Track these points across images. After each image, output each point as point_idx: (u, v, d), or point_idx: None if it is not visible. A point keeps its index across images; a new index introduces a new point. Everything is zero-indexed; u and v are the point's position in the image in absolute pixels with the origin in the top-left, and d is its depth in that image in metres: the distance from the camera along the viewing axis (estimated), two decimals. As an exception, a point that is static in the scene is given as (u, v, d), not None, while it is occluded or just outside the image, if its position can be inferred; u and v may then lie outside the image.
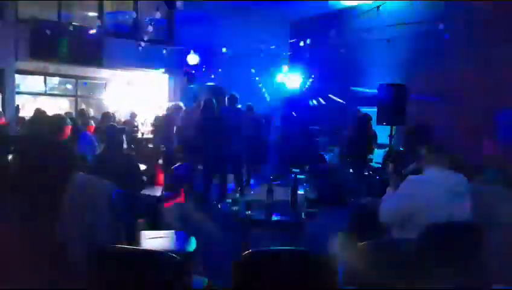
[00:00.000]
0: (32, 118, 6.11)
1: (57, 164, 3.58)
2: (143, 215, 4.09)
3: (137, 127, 10.07)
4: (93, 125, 6.65)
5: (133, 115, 10.49)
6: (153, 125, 8.76)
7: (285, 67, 11.54)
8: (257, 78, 10.34)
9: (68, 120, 4.25)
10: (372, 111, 7.41)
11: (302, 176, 6.36)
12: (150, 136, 9.84)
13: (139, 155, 6.22)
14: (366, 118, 7.56)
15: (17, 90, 9.56)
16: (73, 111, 10.67)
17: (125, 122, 9.22)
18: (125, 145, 3.76)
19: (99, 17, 9.86)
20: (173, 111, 7.13)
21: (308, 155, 9.21)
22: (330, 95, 9.62)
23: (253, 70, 10.14)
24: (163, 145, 6.91)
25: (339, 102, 9.67)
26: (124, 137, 3.92)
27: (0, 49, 8.49)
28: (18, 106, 9.01)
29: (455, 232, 2.32)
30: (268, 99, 10.39)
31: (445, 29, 6.87)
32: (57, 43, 8.84)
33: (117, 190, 2.80)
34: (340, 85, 9.49)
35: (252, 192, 3.32)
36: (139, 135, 9.51)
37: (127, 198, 2.97)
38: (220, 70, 10.05)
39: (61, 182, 3.05)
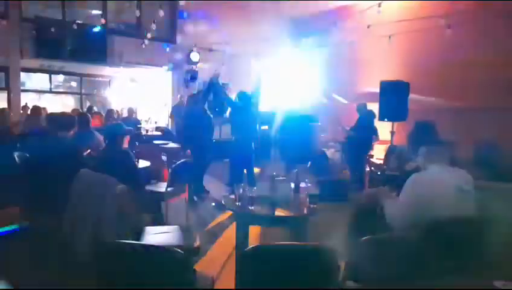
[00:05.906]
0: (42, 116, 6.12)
1: (63, 161, 3.63)
2: (147, 210, 4.13)
3: (140, 124, 10.06)
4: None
5: (130, 111, 10.31)
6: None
7: (285, 64, 11.57)
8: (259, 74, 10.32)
9: (76, 118, 4.28)
10: (373, 107, 7.40)
11: (304, 172, 6.34)
12: (155, 133, 9.86)
13: (143, 152, 6.24)
14: (370, 114, 7.56)
15: (22, 88, 9.67)
16: (78, 108, 10.77)
17: (124, 119, 9.21)
18: (125, 143, 3.78)
19: (103, 15, 9.90)
20: None
21: (309, 151, 9.22)
22: (334, 95, 9.61)
23: (256, 67, 10.14)
24: None
25: (340, 98, 9.67)
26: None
27: (5, 47, 8.57)
28: (26, 104, 9.07)
29: (457, 228, 2.31)
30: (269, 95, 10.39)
31: (446, 25, 6.86)
32: (61, 41, 8.91)
33: (121, 186, 2.84)
34: (342, 81, 9.48)
35: (255, 187, 3.35)
36: (143, 132, 9.53)
37: (131, 194, 3.01)
38: (223, 67, 10.07)
39: (66, 179, 3.10)
